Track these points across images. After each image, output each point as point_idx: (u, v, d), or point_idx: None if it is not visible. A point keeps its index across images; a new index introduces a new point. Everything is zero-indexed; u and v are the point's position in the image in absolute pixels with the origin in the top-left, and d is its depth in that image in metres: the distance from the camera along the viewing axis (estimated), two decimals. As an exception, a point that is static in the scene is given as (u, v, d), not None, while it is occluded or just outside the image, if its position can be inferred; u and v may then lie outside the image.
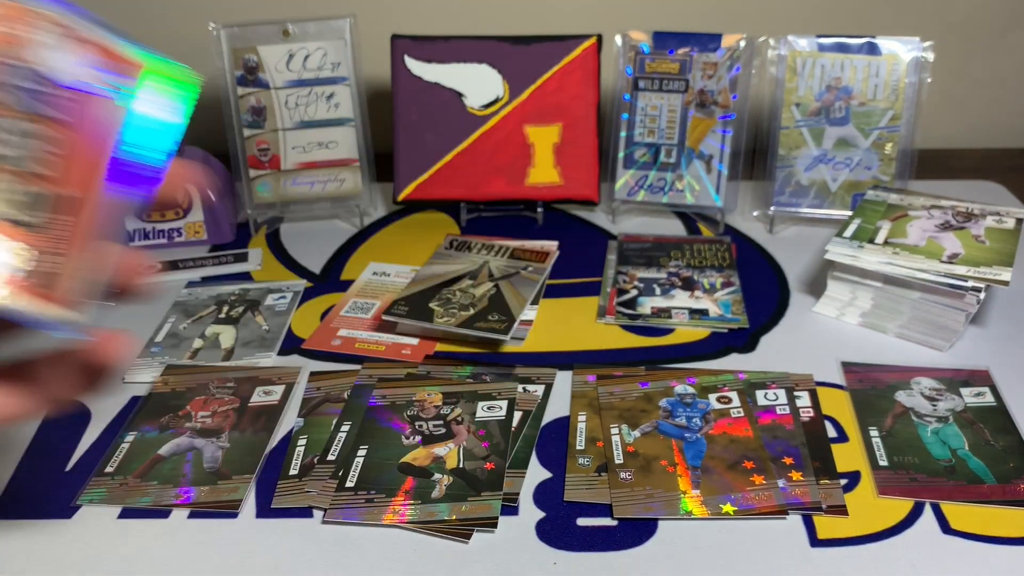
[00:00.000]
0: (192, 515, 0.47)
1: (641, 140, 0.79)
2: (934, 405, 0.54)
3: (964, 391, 0.56)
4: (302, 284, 0.71)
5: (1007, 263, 0.60)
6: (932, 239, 0.63)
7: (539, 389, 0.56)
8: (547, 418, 0.54)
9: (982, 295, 0.58)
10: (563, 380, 0.57)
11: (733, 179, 0.78)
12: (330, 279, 0.72)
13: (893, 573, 0.43)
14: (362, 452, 0.50)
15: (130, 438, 0.53)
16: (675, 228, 0.79)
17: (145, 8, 0.95)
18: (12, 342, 0.34)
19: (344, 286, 0.70)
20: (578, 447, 0.51)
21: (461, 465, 0.49)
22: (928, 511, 0.47)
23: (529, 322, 0.64)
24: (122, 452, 0.52)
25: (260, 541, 0.46)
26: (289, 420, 0.54)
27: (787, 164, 0.77)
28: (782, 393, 0.55)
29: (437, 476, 0.48)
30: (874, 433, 0.52)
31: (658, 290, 0.68)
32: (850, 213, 0.70)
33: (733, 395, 0.55)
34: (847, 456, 0.51)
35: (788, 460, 0.50)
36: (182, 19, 0.95)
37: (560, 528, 0.46)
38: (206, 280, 0.72)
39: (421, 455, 0.50)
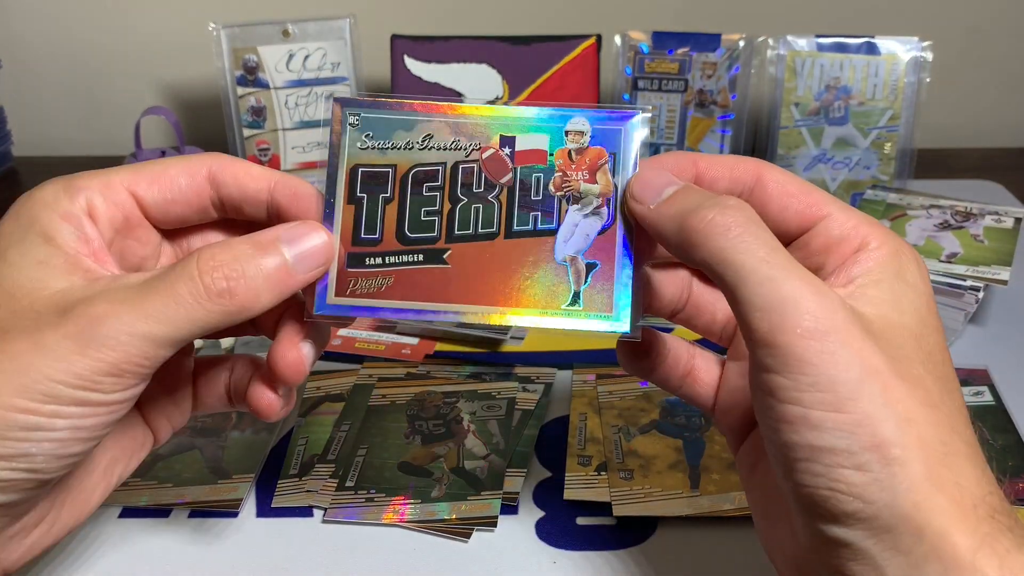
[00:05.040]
0: (192, 514, 0.47)
1: (640, 140, 0.79)
2: (933, 404, 0.55)
3: (963, 390, 0.56)
4: (302, 284, 0.71)
5: (1006, 262, 0.60)
6: (931, 238, 0.63)
7: (539, 388, 0.56)
8: (547, 417, 0.54)
9: (981, 294, 0.58)
10: (563, 379, 0.57)
11: (732, 179, 0.78)
12: (330, 279, 0.72)
13: (892, 572, 0.43)
14: (362, 451, 0.51)
15: (130, 437, 0.53)
16: (674, 228, 0.79)
17: (145, 8, 0.95)
18: None
19: (344, 286, 0.70)
20: (578, 446, 0.51)
21: (461, 464, 0.49)
22: (927, 510, 0.47)
23: (529, 322, 0.64)
24: (122, 451, 0.52)
25: (260, 540, 0.46)
26: (289, 420, 0.54)
27: (786, 164, 0.77)
28: (781, 392, 0.55)
29: (437, 475, 0.49)
30: (873, 432, 0.52)
31: (657, 290, 0.68)
32: (849, 213, 0.70)
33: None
34: (846, 455, 0.51)
35: (787, 459, 0.50)
36: (182, 19, 0.95)
37: (560, 527, 0.46)
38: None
39: (421, 454, 0.50)
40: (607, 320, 0.33)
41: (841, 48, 0.76)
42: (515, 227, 0.33)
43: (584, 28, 0.81)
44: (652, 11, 0.93)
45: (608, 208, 0.33)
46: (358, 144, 0.34)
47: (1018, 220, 0.66)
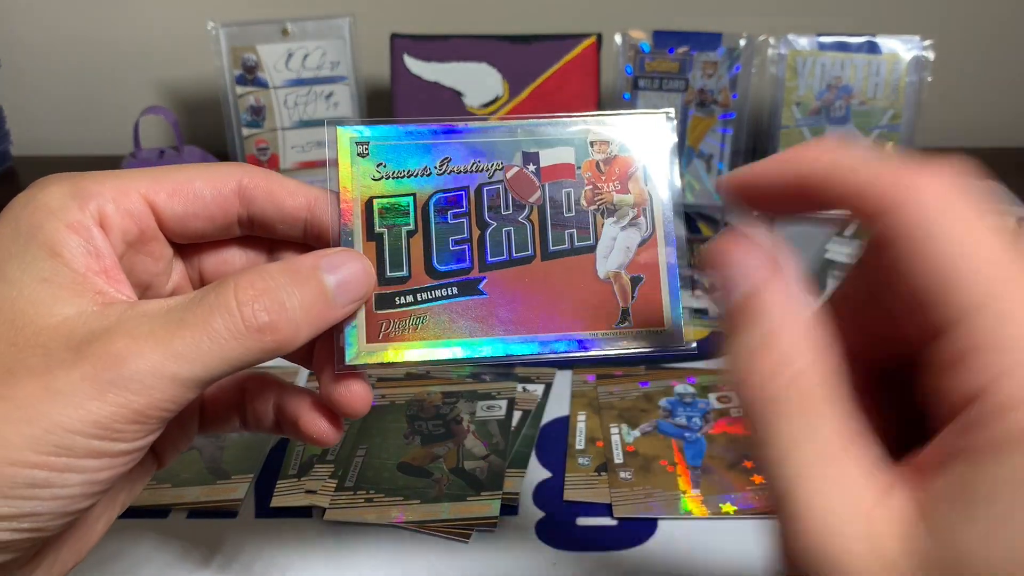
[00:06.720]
0: (191, 515, 0.47)
1: (641, 139, 0.79)
2: (934, 404, 0.54)
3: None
4: (301, 283, 0.70)
5: (1008, 262, 0.60)
6: (932, 238, 0.63)
7: (538, 388, 0.56)
8: (546, 418, 0.54)
9: (983, 294, 0.58)
10: (563, 380, 0.57)
11: (733, 178, 0.78)
12: (329, 278, 0.72)
13: (894, 573, 0.43)
14: (361, 452, 0.50)
15: (129, 438, 0.53)
16: (675, 227, 0.79)
17: (144, 7, 0.95)
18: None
19: (343, 285, 0.70)
20: (578, 447, 0.51)
21: (460, 465, 0.49)
22: (929, 511, 0.47)
23: (529, 321, 0.64)
24: (121, 452, 0.51)
25: (259, 541, 0.45)
26: (288, 420, 0.54)
27: (787, 163, 0.77)
28: (782, 392, 0.55)
29: (436, 476, 0.48)
30: (874, 432, 0.52)
31: (658, 289, 0.67)
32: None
33: (733, 394, 0.55)
34: (847, 456, 0.50)
35: (788, 460, 0.49)
36: (180, 18, 0.95)
37: (560, 528, 0.46)
38: (205, 279, 0.71)
39: (420, 455, 0.50)
40: (660, 334, 0.32)
41: (842, 47, 0.75)
42: (551, 247, 0.31)
43: (584, 27, 0.81)
44: (652, 10, 0.92)
45: (645, 218, 0.31)
46: (370, 175, 0.31)
47: (1020, 220, 0.66)
